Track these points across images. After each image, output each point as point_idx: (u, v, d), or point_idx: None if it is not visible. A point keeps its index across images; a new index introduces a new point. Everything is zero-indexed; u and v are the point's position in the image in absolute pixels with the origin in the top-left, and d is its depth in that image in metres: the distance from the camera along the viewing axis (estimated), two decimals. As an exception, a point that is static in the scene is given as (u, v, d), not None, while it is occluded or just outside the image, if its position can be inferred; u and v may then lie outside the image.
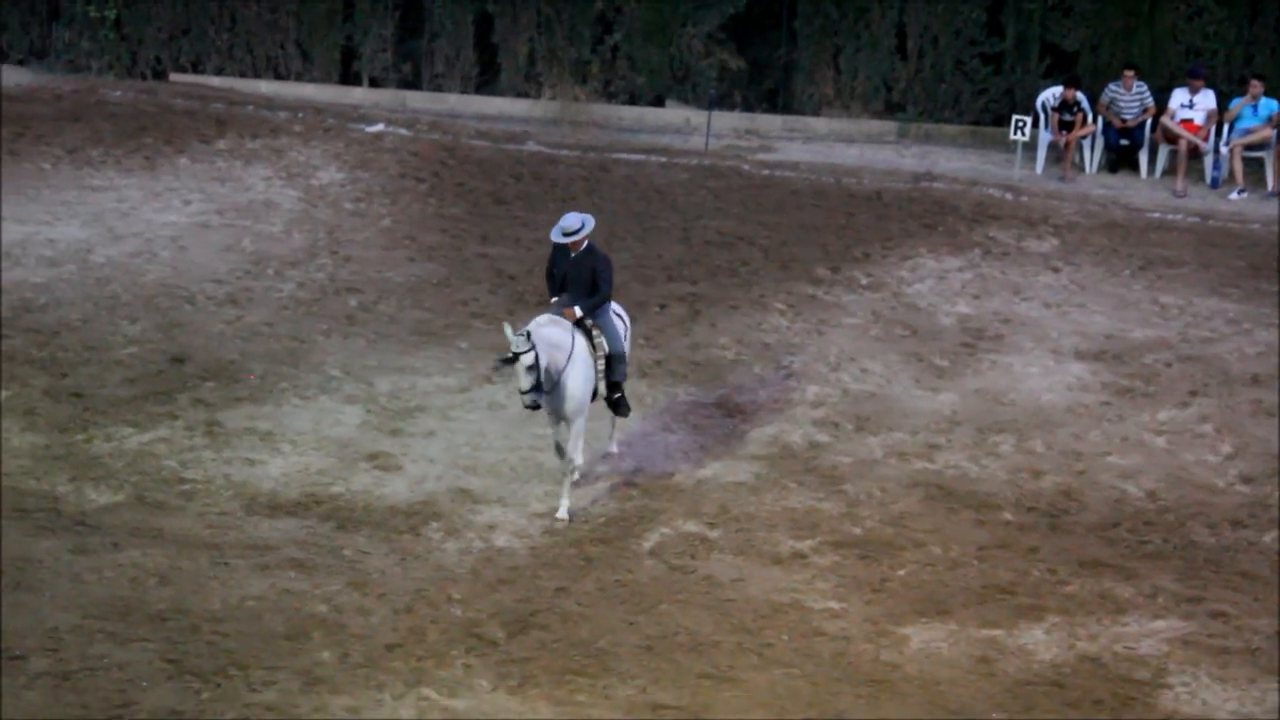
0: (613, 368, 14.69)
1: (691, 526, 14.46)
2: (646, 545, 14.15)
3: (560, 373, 14.11)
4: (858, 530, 14.55)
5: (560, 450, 14.59)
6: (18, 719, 10.90)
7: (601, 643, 12.55)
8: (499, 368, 14.52)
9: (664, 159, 23.21)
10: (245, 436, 15.62)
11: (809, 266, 19.82)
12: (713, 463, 15.66)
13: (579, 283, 14.53)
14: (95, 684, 11.47)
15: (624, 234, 20.55)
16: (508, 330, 13.88)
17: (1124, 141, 23.60)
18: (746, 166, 23.16)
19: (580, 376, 14.26)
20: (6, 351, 16.81)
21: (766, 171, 23.00)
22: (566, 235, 14.47)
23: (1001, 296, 19.31)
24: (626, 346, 14.97)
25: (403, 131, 23.50)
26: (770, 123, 25.64)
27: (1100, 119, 23.52)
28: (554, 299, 14.74)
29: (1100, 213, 21.64)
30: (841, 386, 17.25)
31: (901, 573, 13.92)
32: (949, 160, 24.05)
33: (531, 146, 23.53)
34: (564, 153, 23.41)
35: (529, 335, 13.81)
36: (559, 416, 14.44)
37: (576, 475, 14.67)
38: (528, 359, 13.79)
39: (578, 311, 14.42)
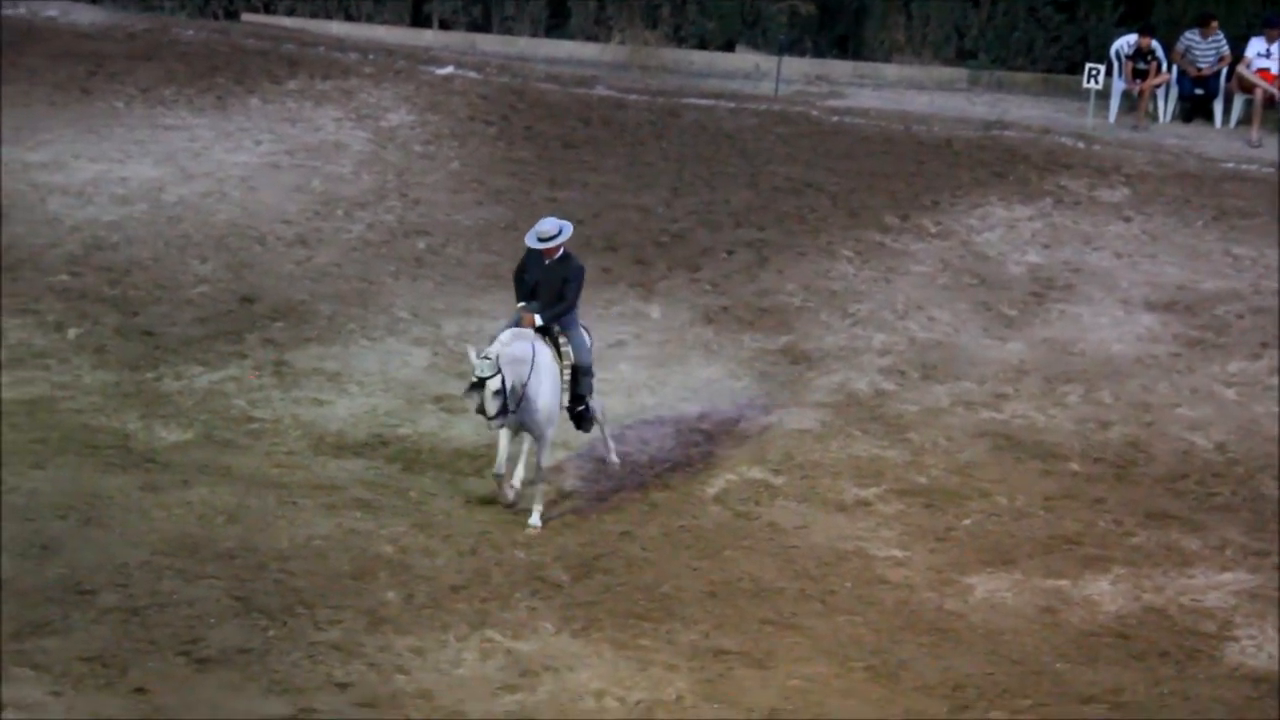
0: (578, 380, 13.85)
1: (756, 473, 14.47)
2: (711, 491, 14.17)
3: (524, 386, 13.27)
4: (923, 479, 14.52)
5: (506, 464, 13.64)
6: (87, 653, 11.02)
7: (665, 588, 12.59)
8: (469, 394, 13.27)
9: (733, 104, 23.11)
10: (313, 377, 15.71)
11: (877, 214, 19.72)
12: (778, 410, 15.65)
13: (549, 291, 13.70)
14: (163, 619, 11.58)
15: (691, 179, 20.49)
16: (472, 354, 13.07)
17: (1199, 91, 23.35)
18: (816, 112, 23.03)
19: (547, 388, 13.46)
20: (78, 289, 16.95)
21: (836, 118, 22.87)
22: (542, 241, 13.71)
23: (1072, 246, 19.16)
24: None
25: (472, 74, 23.47)
26: (840, 69, 25.49)
27: (1175, 67, 23.27)
28: (520, 304, 13.87)
29: (1173, 162, 21.43)
30: (909, 335, 17.19)
31: (966, 522, 13.90)
32: (1021, 108, 23.85)
33: (600, 90, 23.47)
34: (633, 97, 23.33)
35: (494, 359, 12.97)
36: (523, 429, 13.59)
37: (544, 484, 13.71)
38: (494, 384, 12.95)
39: (538, 320, 13.59)
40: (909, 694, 11.46)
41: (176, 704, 10.58)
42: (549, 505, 13.75)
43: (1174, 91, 23.46)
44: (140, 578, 12.08)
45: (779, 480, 14.36)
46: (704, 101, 23.25)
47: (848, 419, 15.51)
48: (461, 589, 12.38)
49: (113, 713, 10.41)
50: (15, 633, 11.19)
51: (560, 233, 13.73)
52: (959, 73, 25.32)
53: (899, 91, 24.69)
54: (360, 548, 12.78)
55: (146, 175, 19.78)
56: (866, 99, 23.95)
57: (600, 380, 15.72)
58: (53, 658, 10.92)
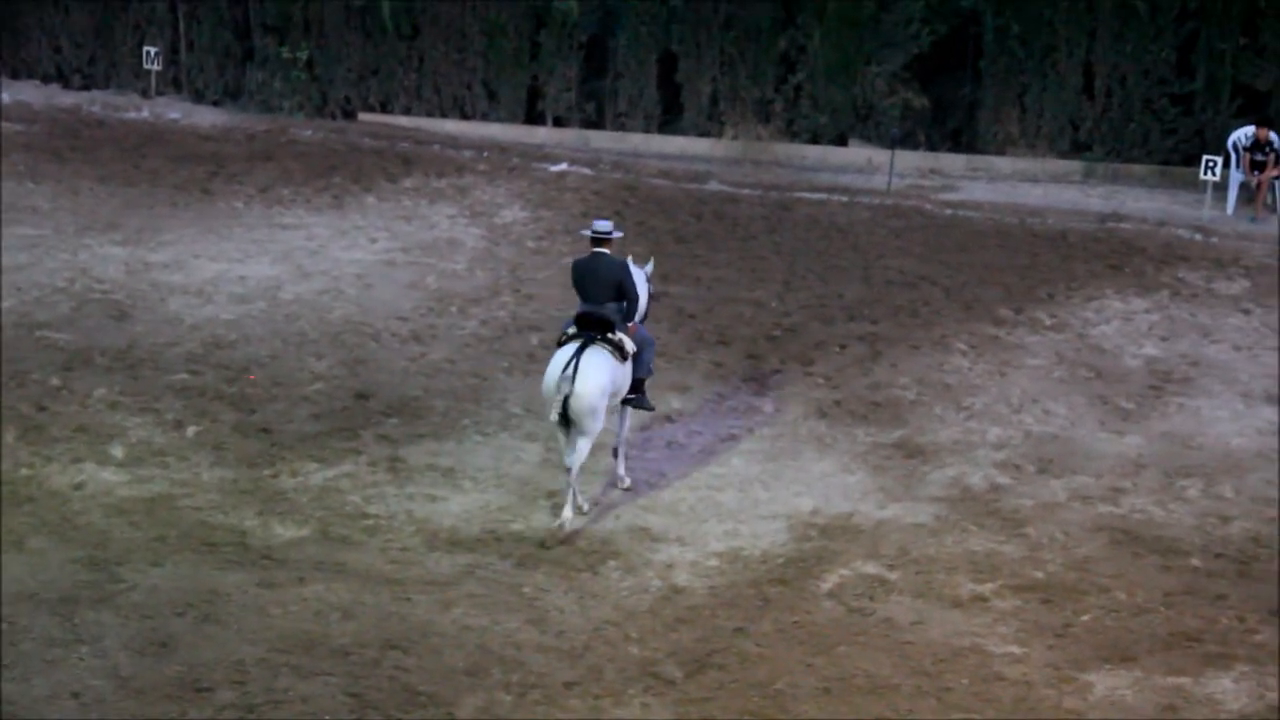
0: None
1: (870, 568, 14.37)
2: (825, 586, 14.08)
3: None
4: (1040, 574, 14.36)
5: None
6: (203, 749, 11.11)
7: (779, 684, 12.51)
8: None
9: (846, 198, 23.16)
10: (427, 473, 15.78)
11: (991, 307, 19.65)
12: (892, 504, 15.55)
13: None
14: (279, 717, 11.65)
15: (804, 273, 20.51)
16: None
17: (1317, 182, 23.16)
18: (929, 206, 23.03)
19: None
20: (197, 388, 17.16)
21: (949, 211, 22.85)
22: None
23: (1190, 338, 18.98)
24: None
25: (585, 171, 23.68)
26: (954, 162, 25.47)
27: (1292, 159, 23.09)
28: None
29: (1293, 254, 21.23)
30: (1024, 428, 17.06)
31: (1085, 618, 13.72)
32: (1136, 200, 23.74)
33: (713, 186, 23.59)
34: (745, 192, 23.44)
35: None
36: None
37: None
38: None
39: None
40: (1027, 794, 11.32)
41: (291, 801, 10.62)
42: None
43: (1292, 182, 23.27)
44: (257, 675, 12.15)
45: (894, 575, 14.25)
46: (816, 195, 23.31)
47: (963, 513, 15.39)
48: (575, 685, 12.36)
49: (228, 809, 10.46)
50: (133, 729, 11.30)
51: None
52: (1074, 165, 25.24)
53: (1013, 184, 24.65)
54: (474, 644, 12.80)
55: (264, 274, 20.06)
56: (980, 192, 23.92)
57: (714, 475, 15.74)
58: (169, 754, 11.01)
